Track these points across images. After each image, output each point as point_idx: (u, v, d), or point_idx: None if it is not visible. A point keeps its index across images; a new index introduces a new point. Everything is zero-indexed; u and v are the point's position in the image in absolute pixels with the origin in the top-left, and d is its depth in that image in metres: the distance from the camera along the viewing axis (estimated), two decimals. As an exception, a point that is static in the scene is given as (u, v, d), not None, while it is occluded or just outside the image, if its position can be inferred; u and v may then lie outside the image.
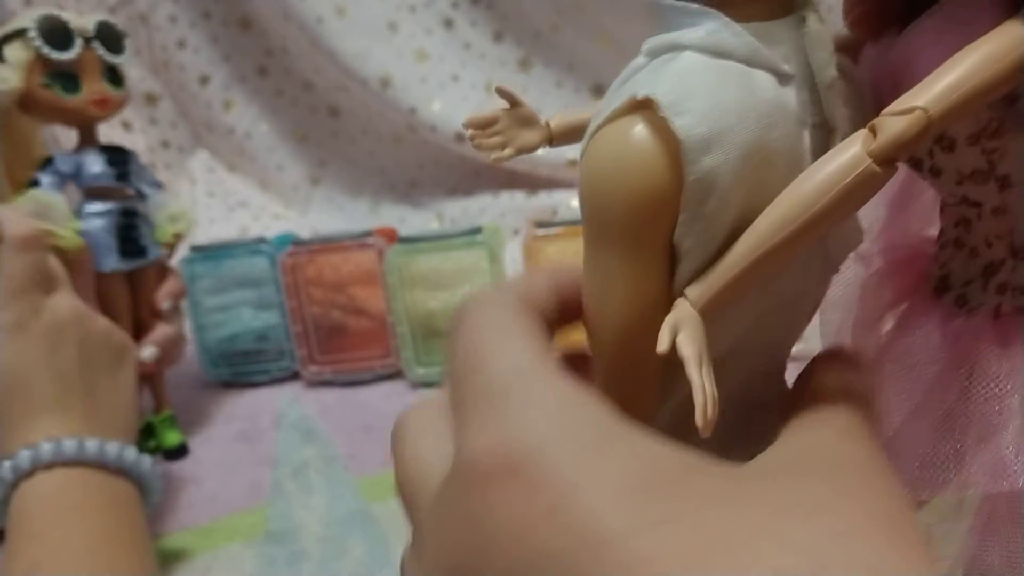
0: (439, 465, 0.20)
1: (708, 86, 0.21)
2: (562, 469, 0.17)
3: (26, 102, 0.66)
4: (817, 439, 0.20)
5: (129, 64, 1.05)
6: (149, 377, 0.73)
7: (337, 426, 0.75)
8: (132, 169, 0.71)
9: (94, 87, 0.67)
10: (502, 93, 0.30)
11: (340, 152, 1.12)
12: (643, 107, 0.21)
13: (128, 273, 0.69)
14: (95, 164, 0.68)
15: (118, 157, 0.70)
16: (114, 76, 0.69)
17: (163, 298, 0.71)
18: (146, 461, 0.48)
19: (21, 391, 0.46)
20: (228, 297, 0.86)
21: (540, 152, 0.30)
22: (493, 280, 0.79)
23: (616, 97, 0.22)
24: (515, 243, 0.94)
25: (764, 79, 0.21)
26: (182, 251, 0.87)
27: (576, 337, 0.25)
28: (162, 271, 0.73)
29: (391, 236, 0.85)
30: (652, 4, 0.22)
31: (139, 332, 0.69)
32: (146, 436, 0.72)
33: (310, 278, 0.83)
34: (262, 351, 0.86)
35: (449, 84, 1.03)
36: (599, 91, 1.06)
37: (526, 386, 0.19)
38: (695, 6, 0.22)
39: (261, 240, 0.86)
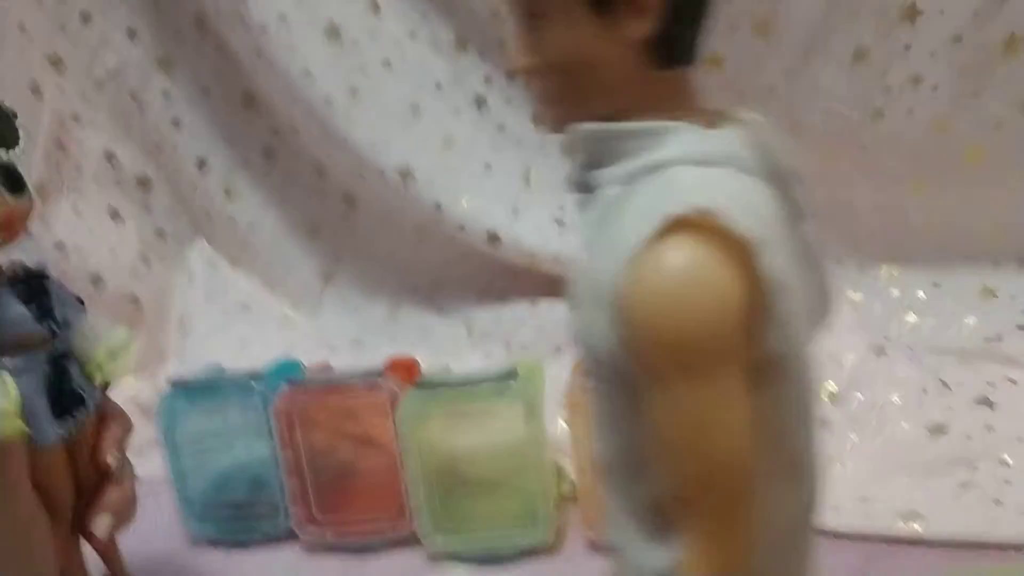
0: None
1: (733, 191, 0.24)
2: None
3: None
4: None
5: (119, 145, 0.92)
6: (104, 551, 0.63)
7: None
8: (52, 297, 0.58)
9: None
10: None
11: (356, 247, 1.01)
12: (684, 224, 0.23)
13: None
14: (8, 306, 0.55)
15: (33, 288, 0.57)
16: (13, 180, 0.54)
17: (108, 450, 0.60)
18: None
19: None
20: (214, 441, 0.75)
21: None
22: (531, 439, 0.64)
23: (612, 231, 0.24)
24: (556, 363, 0.79)
25: (751, 179, 0.25)
26: (162, 387, 0.75)
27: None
28: (101, 416, 0.61)
29: (409, 371, 0.73)
30: (597, 132, 0.26)
31: (82, 497, 0.59)
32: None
33: (310, 420, 0.70)
34: (254, 504, 0.75)
35: (480, 174, 0.90)
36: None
37: None
38: (656, 124, 0.25)
39: (254, 375, 0.74)
